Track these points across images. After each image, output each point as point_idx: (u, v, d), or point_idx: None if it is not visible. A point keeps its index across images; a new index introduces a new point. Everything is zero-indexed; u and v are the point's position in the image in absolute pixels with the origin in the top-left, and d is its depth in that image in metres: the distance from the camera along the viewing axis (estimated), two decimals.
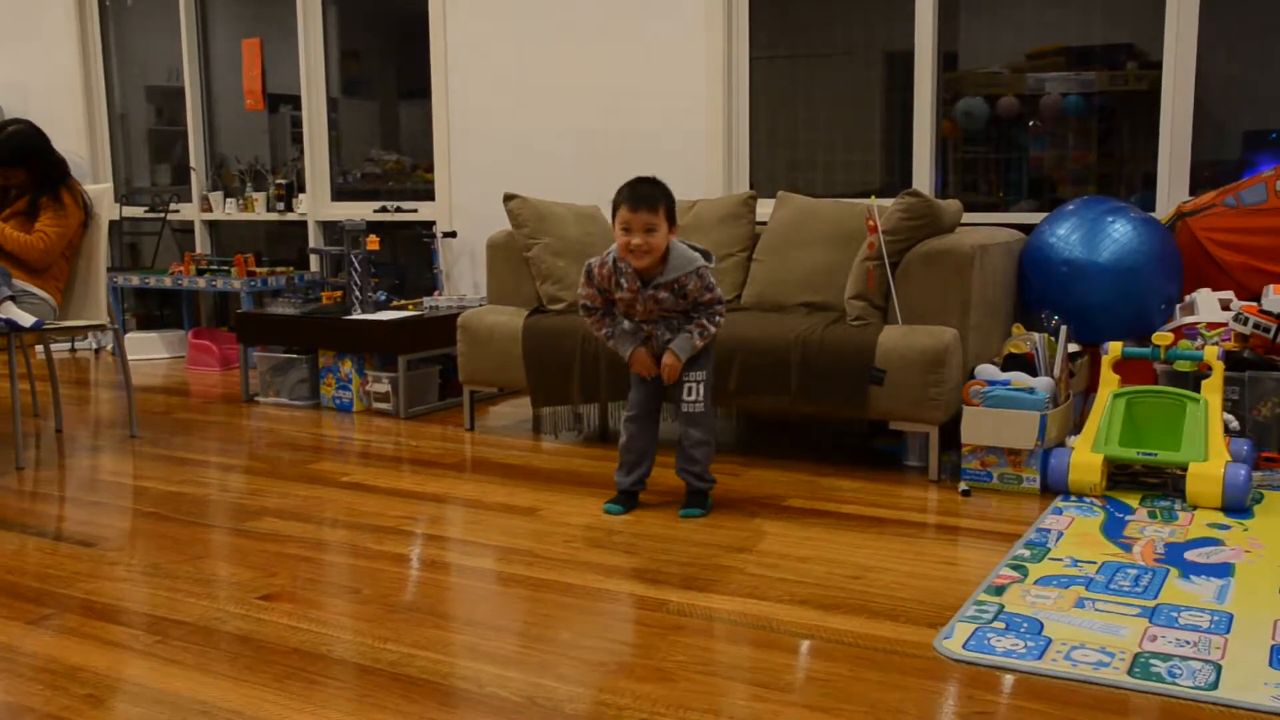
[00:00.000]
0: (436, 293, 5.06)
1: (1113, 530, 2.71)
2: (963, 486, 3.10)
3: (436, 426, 4.15)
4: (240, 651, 2.07)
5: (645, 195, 2.73)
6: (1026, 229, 3.81)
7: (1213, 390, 3.01)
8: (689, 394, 2.87)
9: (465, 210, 5.27)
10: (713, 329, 2.86)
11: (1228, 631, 2.07)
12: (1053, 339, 3.34)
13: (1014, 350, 3.32)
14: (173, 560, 2.59)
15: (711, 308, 2.85)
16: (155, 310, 6.30)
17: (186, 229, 6.28)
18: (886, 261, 3.29)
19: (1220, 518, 2.79)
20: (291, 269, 5.66)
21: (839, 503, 3.02)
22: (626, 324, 2.90)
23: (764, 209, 4.21)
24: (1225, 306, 3.41)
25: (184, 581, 2.45)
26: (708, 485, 2.96)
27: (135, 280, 5.56)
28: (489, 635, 2.13)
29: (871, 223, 3.30)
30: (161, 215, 6.09)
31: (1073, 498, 2.99)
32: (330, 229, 5.77)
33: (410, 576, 2.48)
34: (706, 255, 2.86)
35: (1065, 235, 3.58)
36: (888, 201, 3.46)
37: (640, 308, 2.85)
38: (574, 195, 4.49)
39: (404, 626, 2.17)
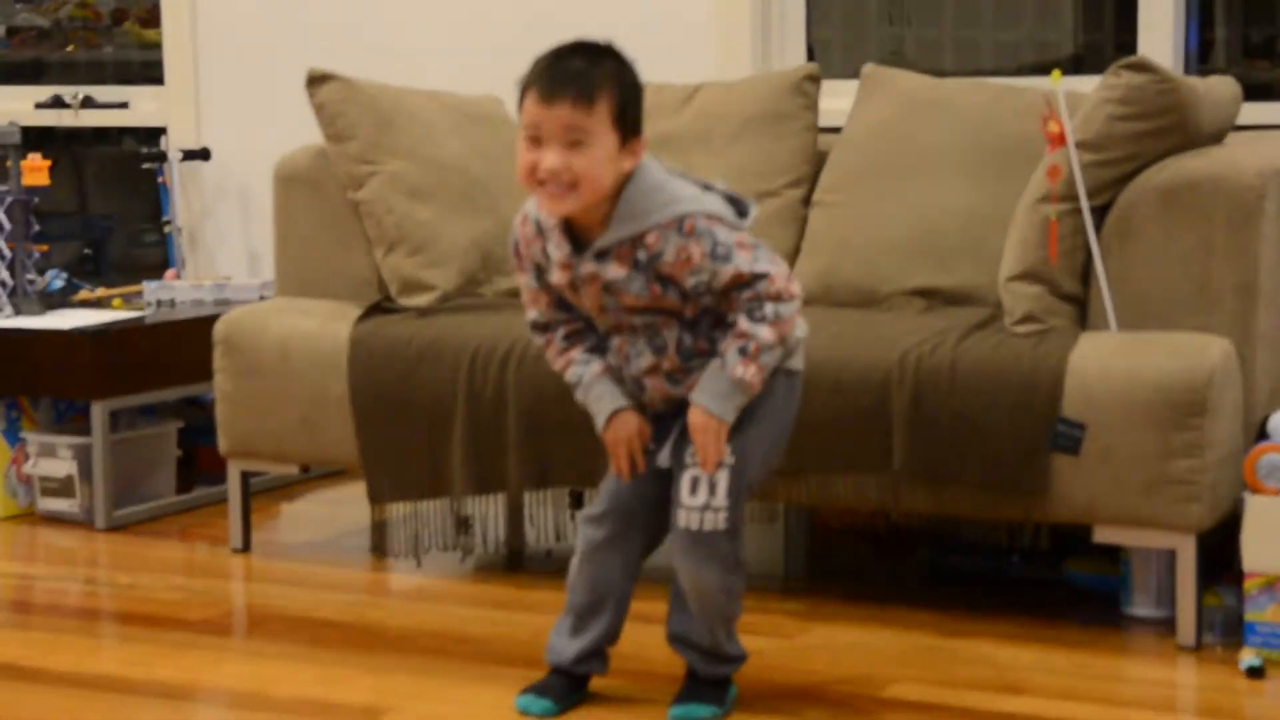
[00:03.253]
0: (170, 273, 5.04)
1: None
2: (1248, 659, 3.11)
3: (174, 546, 4.12)
4: None
5: (574, 74, 2.75)
6: None
7: None
8: (692, 491, 2.86)
9: (228, 107, 5.26)
10: (767, 334, 2.79)
11: None
12: None
13: None
14: None
15: (751, 288, 2.80)
16: None
17: None
18: (1085, 205, 3.32)
19: None
20: None
21: (995, 692, 3.02)
22: (597, 364, 2.89)
23: (836, 101, 4.23)
24: None
25: None
26: (729, 666, 2.97)
27: None
28: None
29: (1055, 127, 3.32)
30: None
31: None
32: None
33: None
34: (738, 205, 2.86)
35: None
36: (1086, 83, 3.47)
37: (589, 302, 2.86)
38: (451, 78, 4.49)
39: None
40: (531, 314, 2.94)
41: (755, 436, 2.86)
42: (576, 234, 2.82)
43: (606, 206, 2.78)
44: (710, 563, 2.84)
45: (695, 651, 2.94)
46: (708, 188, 2.84)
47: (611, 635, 2.99)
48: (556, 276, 2.85)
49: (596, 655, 2.98)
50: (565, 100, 2.72)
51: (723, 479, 2.83)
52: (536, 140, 2.74)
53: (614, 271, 2.79)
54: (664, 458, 2.88)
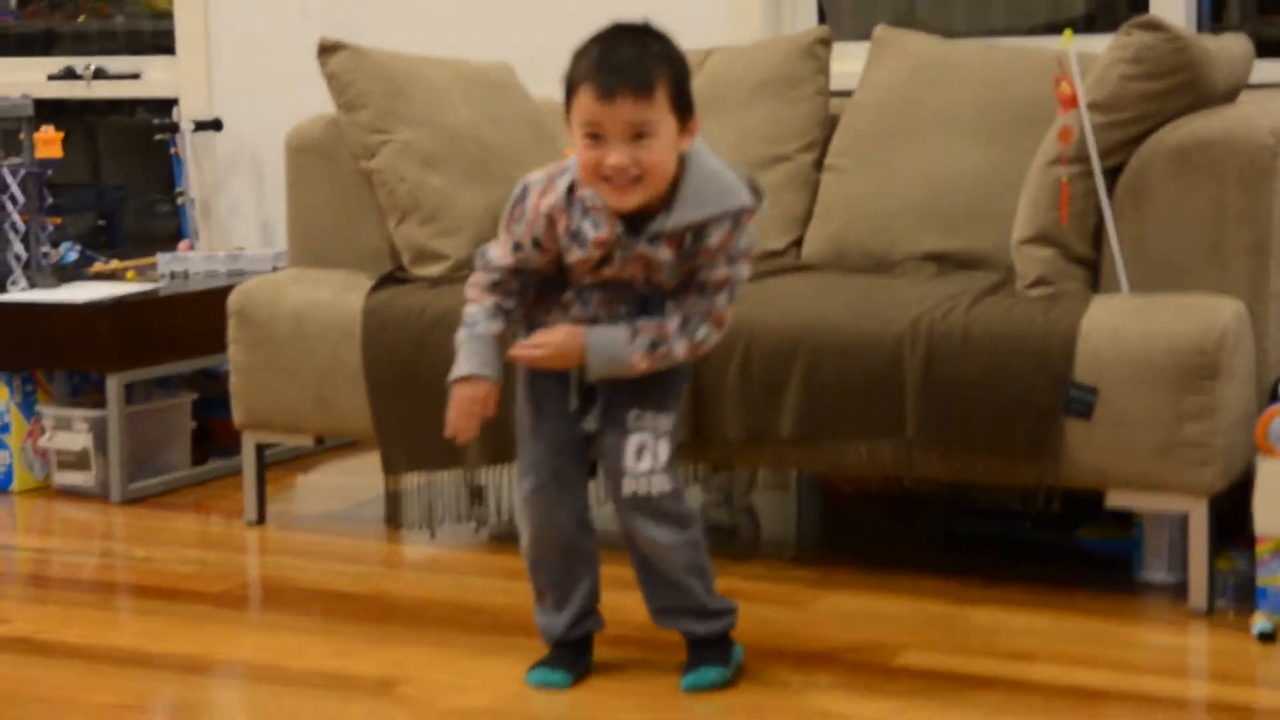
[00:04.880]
0: (183, 244, 5.05)
1: None
2: (1260, 624, 3.11)
3: (189, 519, 4.15)
4: None
5: (628, 66, 2.71)
6: None
7: None
8: (637, 456, 2.88)
9: (239, 78, 5.27)
10: (682, 352, 2.83)
11: None
12: None
13: None
14: None
15: (710, 300, 2.82)
16: None
17: None
18: (1098, 166, 3.32)
19: None
20: None
21: (1007, 659, 3.03)
22: (498, 325, 2.87)
23: (848, 64, 4.23)
24: None
25: None
26: (723, 620, 2.97)
27: None
28: None
29: (1066, 88, 3.32)
30: None
31: None
32: None
33: None
34: (753, 190, 2.85)
35: None
36: (1098, 43, 3.47)
37: (610, 273, 2.85)
38: (463, 45, 4.49)
39: None
40: (495, 255, 2.87)
41: (674, 407, 2.93)
42: (628, 215, 2.79)
43: (663, 188, 2.78)
44: (663, 522, 2.89)
45: (684, 616, 2.95)
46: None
47: (592, 596, 2.99)
48: (584, 254, 2.81)
49: (589, 615, 2.99)
50: (626, 95, 2.69)
51: (663, 444, 2.89)
52: (597, 135, 2.72)
53: (664, 254, 2.80)
54: (591, 422, 2.92)
